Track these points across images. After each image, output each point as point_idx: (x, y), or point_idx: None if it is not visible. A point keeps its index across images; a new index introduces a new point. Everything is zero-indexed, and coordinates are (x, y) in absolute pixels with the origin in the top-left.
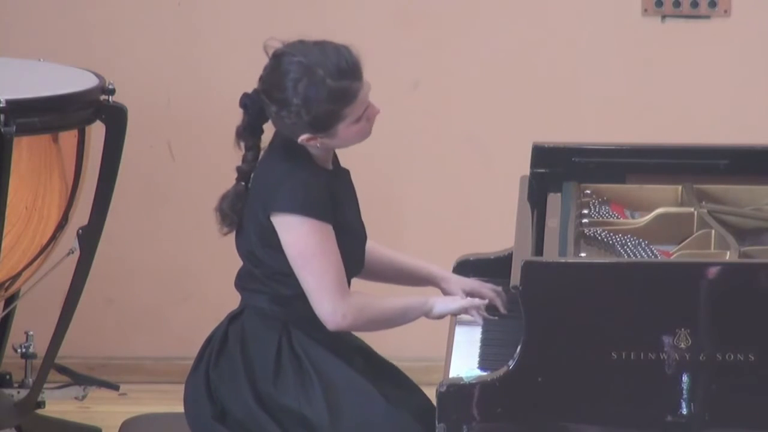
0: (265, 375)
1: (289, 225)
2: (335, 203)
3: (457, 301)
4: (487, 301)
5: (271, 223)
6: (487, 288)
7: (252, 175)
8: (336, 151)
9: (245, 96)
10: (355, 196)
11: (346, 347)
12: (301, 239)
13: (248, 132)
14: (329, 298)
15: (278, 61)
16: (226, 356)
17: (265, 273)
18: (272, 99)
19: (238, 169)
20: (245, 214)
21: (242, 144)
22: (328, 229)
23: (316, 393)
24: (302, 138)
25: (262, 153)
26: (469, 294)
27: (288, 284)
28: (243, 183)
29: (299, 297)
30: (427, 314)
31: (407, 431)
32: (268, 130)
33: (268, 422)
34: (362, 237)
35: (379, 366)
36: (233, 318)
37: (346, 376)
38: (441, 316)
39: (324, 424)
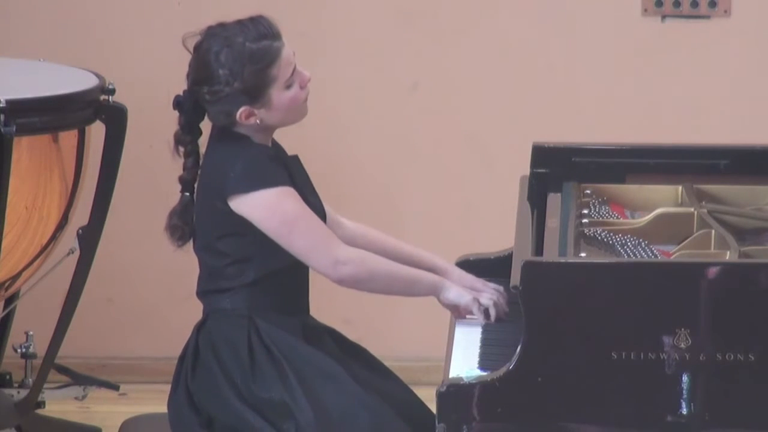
0: (243, 373)
1: (257, 202)
2: (291, 176)
3: (469, 297)
4: (492, 303)
5: (230, 208)
6: (488, 288)
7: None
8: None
9: (176, 96)
10: (310, 180)
11: (314, 331)
12: (276, 208)
13: (187, 131)
14: (325, 250)
15: (198, 46)
16: (201, 366)
17: (225, 263)
18: (202, 81)
19: (181, 179)
20: (197, 208)
21: (181, 149)
22: (292, 191)
23: (291, 381)
24: (240, 113)
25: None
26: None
27: (249, 270)
28: (188, 194)
29: (261, 282)
30: (438, 294)
31: (380, 413)
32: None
33: (255, 419)
34: (321, 213)
35: (349, 348)
36: (199, 328)
37: (315, 363)
38: (449, 303)
39: (306, 411)
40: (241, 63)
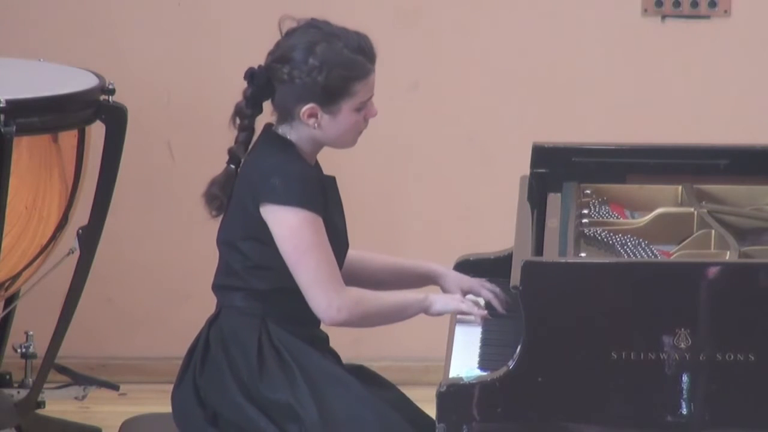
0: (251, 372)
1: (283, 217)
2: (325, 201)
3: (456, 301)
4: (484, 303)
5: (259, 214)
6: (485, 288)
7: (241, 165)
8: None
9: (250, 68)
10: (341, 203)
11: (321, 346)
12: (296, 233)
13: (250, 104)
14: (323, 292)
15: (293, 30)
16: (211, 361)
17: (244, 266)
18: (286, 60)
19: (230, 151)
20: (231, 204)
21: (237, 122)
22: (320, 222)
23: (299, 384)
24: (306, 109)
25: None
26: (467, 292)
27: (265, 278)
28: (233, 166)
29: (275, 291)
30: (426, 311)
31: (388, 417)
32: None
33: (260, 418)
34: (345, 245)
35: (349, 368)
36: (212, 322)
37: (324, 367)
38: (440, 314)
39: (312, 413)
40: (333, 62)
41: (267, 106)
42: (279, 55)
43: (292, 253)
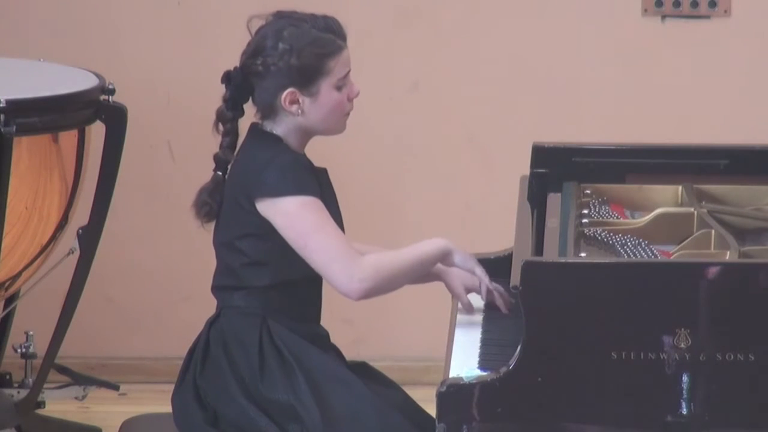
0: (252, 372)
1: (282, 208)
2: (319, 188)
3: (472, 261)
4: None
5: (256, 210)
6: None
7: (229, 166)
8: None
9: (227, 71)
10: (335, 195)
11: (322, 343)
12: (297, 218)
13: (230, 107)
14: (341, 267)
15: (262, 26)
16: (211, 361)
17: (243, 263)
18: (257, 53)
19: (216, 157)
20: (223, 205)
21: (220, 127)
22: (319, 203)
23: (300, 383)
24: (286, 94)
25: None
26: (469, 290)
27: (264, 274)
28: (220, 173)
29: (275, 288)
30: (446, 258)
31: (389, 416)
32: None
33: (261, 418)
34: (341, 229)
35: (352, 365)
36: (212, 323)
37: (325, 366)
38: (457, 266)
39: (313, 413)
40: (302, 43)
41: (249, 111)
42: (251, 51)
43: (297, 239)
